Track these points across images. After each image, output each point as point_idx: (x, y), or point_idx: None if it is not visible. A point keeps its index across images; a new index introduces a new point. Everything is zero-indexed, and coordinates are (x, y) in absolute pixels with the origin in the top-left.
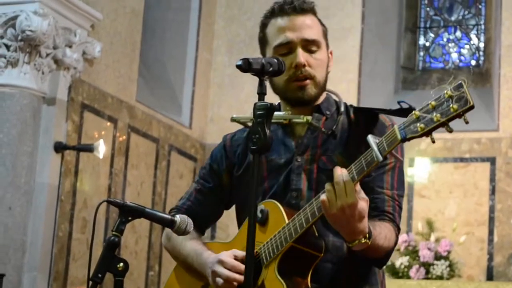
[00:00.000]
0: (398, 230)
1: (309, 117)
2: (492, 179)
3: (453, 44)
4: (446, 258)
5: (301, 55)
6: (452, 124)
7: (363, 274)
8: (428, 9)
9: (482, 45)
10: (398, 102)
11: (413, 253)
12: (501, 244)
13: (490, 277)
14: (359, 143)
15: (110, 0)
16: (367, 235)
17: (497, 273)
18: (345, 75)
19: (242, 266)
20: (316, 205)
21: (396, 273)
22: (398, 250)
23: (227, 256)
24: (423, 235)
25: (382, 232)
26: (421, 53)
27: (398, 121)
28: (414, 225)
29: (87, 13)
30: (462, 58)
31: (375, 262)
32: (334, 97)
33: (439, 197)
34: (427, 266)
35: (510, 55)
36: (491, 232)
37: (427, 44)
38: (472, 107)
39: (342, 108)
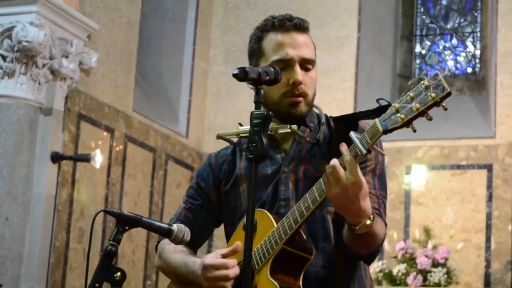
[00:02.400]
0: (385, 226)
1: (294, 126)
2: (489, 186)
3: (449, 51)
4: (443, 265)
5: (300, 74)
6: (448, 132)
7: (352, 277)
8: (424, 17)
9: (478, 52)
10: (377, 100)
11: (410, 260)
12: (498, 251)
13: (487, 284)
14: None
15: (106, 11)
16: (372, 216)
17: (495, 280)
18: (341, 83)
19: (228, 261)
20: (304, 205)
21: (394, 281)
22: (396, 257)
23: (212, 258)
24: (421, 242)
25: (378, 221)
26: (417, 61)
27: None
28: (411, 232)
29: (83, 23)
30: (459, 65)
31: (365, 257)
32: (316, 110)
33: (436, 204)
34: (424, 273)
35: (507, 62)
36: (488, 239)
37: (423, 52)
38: (449, 94)
39: (323, 119)
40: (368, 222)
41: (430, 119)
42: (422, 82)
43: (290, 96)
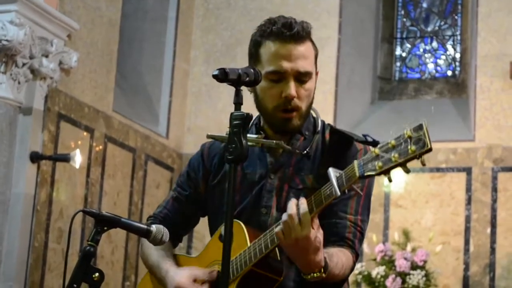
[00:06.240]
0: (356, 256)
1: (280, 142)
2: (468, 189)
3: (429, 54)
4: (422, 267)
5: (293, 88)
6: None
7: None
8: (404, 19)
9: (458, 55)
10: (363, 136)
11: (389, 263)
12: (477, 253)
13: (466, 286)
14: (331, 164)
15: (86, 10)
16: (323, 269)
17: (473, 283)
18: (322, 85)
19: None
20: (270, 238)
21: (373, 283)
22: (375, 260)
23: (185, 279)
24: (400, 245)
25: (339, 262)
26: (398, 64)
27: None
28: (390, 234)
29: (63, 22)
30: (439, 68)
31: (331, 285)
32: (313, 114)
33: (416, 207)
34: (403, 276)
35: (486, 66)
36: (467, 242)
37: (404, 54)
38: (430, 150)
39: (319, 127)
40: (318, 274)
41: (407, 172)
42: (405, 131)
43: (282, 111)
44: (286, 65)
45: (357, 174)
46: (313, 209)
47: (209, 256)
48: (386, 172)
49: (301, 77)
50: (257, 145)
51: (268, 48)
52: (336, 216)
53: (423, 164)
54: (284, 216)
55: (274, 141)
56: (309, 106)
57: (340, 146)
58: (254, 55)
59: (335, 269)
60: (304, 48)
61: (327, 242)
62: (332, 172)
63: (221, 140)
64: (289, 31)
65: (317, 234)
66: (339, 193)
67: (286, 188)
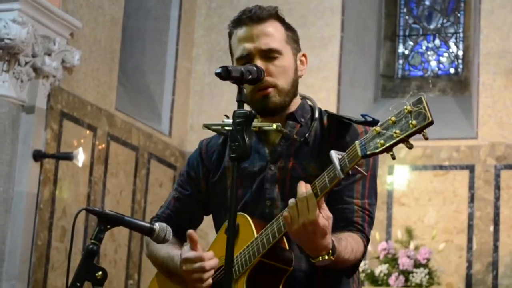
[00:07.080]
0: (367, 240)
1: (279, 124)
2: (471, 186)
3: (432, 52)
4: (425, 266)
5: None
6: (430, 133)
7: (337, 282)
8: (407, 17)
9: (461, 53)
10: (362, 116)
11: (392, 261)
12: (480, 251)
13: (469, 285)
14: (331, 150)
15: (89, 9)
16: (330, 252)
17: (476, 281)
18: (324, 83)
19: (204, 254)
20: (282, 220)
21: (376, 281)
22: (378, 258)
23: (189, 251)
24: (403, 243)
25: (348, 246)
26: (400, 61)
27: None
28: (393, 232)
29: (66, 21)
30: (441, 66)
31: (342, 272)
32: (309, 102)
33: (419, 204)
34: (406, 274)
35: (489, 63)
36: (470, 240)
37: (406, 52)
38: (431, 123)
39: (316, 114)
40: (326, 257)
41: (410, 147)
42: (405, 107)
43: (258, 91)
44: (248, 46)
45: (360, 154)
46: (318, 194)
47: (217, 252)
48: (389, 149)
49: (267, 54)
50: (255, 129)
51: (235, 36)
52: (342, 201)
53: (426, 138)
54: (291, 202)
55: (275, 124)
56: (291, 85)
57: (339, 131)
58: (230, 49)
59: (344, 253)
60: (265, 27)
61: (336, 228)
62: (334, 154)
63: (218, 132)
64: (247, 14)
65: (325, 218)
66: (342, 175)
67: (288, 179)
